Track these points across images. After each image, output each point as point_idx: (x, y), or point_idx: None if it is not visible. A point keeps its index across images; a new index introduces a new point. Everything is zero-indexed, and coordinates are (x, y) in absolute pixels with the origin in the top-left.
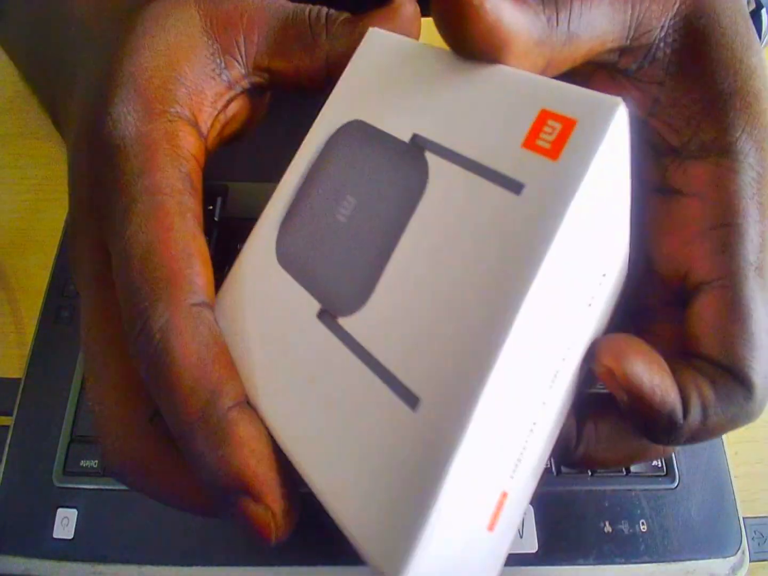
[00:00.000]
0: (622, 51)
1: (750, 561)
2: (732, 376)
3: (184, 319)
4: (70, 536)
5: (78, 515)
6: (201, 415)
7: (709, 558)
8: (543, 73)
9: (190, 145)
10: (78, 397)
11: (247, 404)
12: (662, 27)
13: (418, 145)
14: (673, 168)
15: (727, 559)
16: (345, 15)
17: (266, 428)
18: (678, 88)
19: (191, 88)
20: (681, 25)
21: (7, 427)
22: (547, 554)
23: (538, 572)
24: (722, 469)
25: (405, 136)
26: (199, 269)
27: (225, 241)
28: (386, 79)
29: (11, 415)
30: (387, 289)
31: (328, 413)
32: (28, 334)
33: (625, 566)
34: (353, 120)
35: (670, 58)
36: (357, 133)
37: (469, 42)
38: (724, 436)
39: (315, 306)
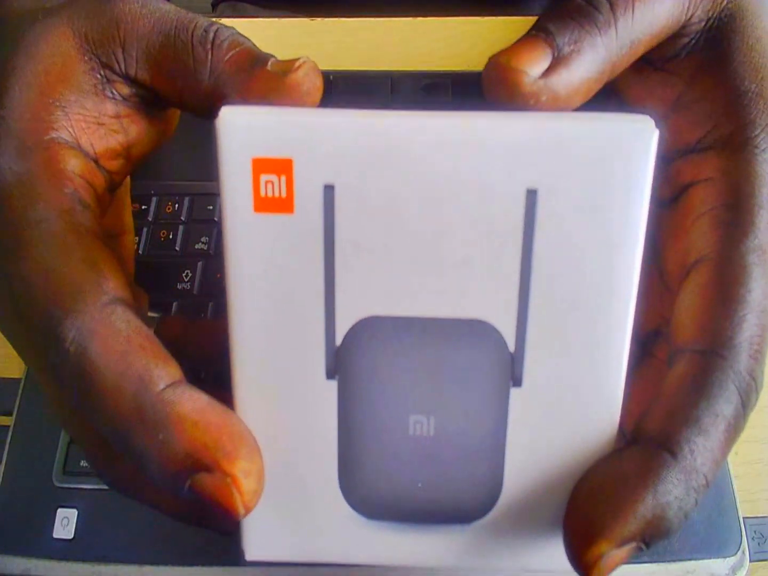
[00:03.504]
0: (664, 41)
1: (750, 561)
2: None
3: (96, 319)
4: (70, 536)
5: (78, 515)
6: (132, 405)
7: (709, 558)
8: (604, 80)
9: (73, 166)
10: None
11: (187, 383)
12: (708, 20)
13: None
14: (685, 165)
15: (727, 559)
16: (232, 36)
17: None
18: (705, 84)
19: (68, 107)
20: (725, 21)
21: (7, 427)
22: None
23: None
24: (722, 469)
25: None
26: (106, 273)
27: None
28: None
29: (11, 415)
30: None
31: None
32: None
33: (625, 566)
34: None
35: (705, 53)
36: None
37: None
38: None
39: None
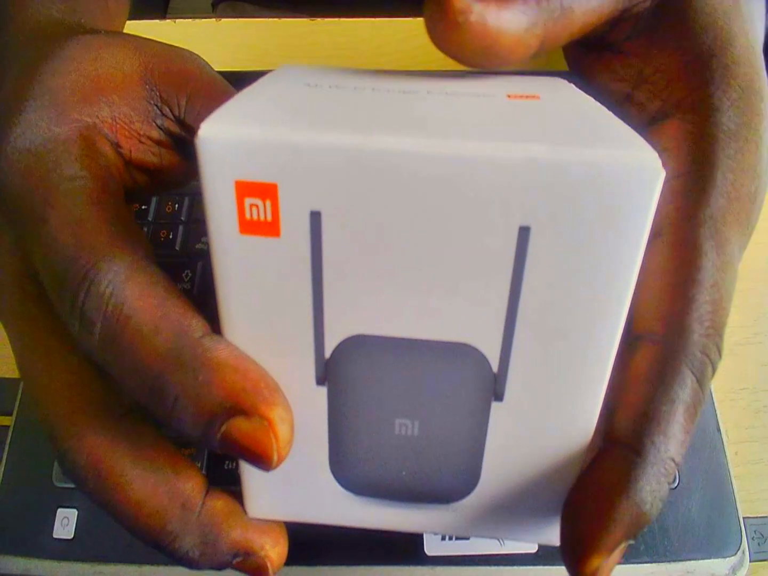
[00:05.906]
0: (613, 23)
1: (750, 561)
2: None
3: (133, 268)
4: (70, 536)
5: (78, 515)
6: (171, 348)
7: (709, 558)
8: (539, 52)
9: (107, 152)
10: None
11: (219, 335)
12: None
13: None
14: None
15: (727, 559)
16: None
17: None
18: (660, 55)
19: (117, 113)
20: None
21: (7, 427)
22: (546, 554)
23: (538, 572)
24: (722, 469)
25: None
26: (141, 236)
27: None
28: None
29: (11, 415)
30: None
31: None
32: None
33: (625, 566)
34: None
35: (656, 28)
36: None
37: (462, 54)
38: (724, 436)
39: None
